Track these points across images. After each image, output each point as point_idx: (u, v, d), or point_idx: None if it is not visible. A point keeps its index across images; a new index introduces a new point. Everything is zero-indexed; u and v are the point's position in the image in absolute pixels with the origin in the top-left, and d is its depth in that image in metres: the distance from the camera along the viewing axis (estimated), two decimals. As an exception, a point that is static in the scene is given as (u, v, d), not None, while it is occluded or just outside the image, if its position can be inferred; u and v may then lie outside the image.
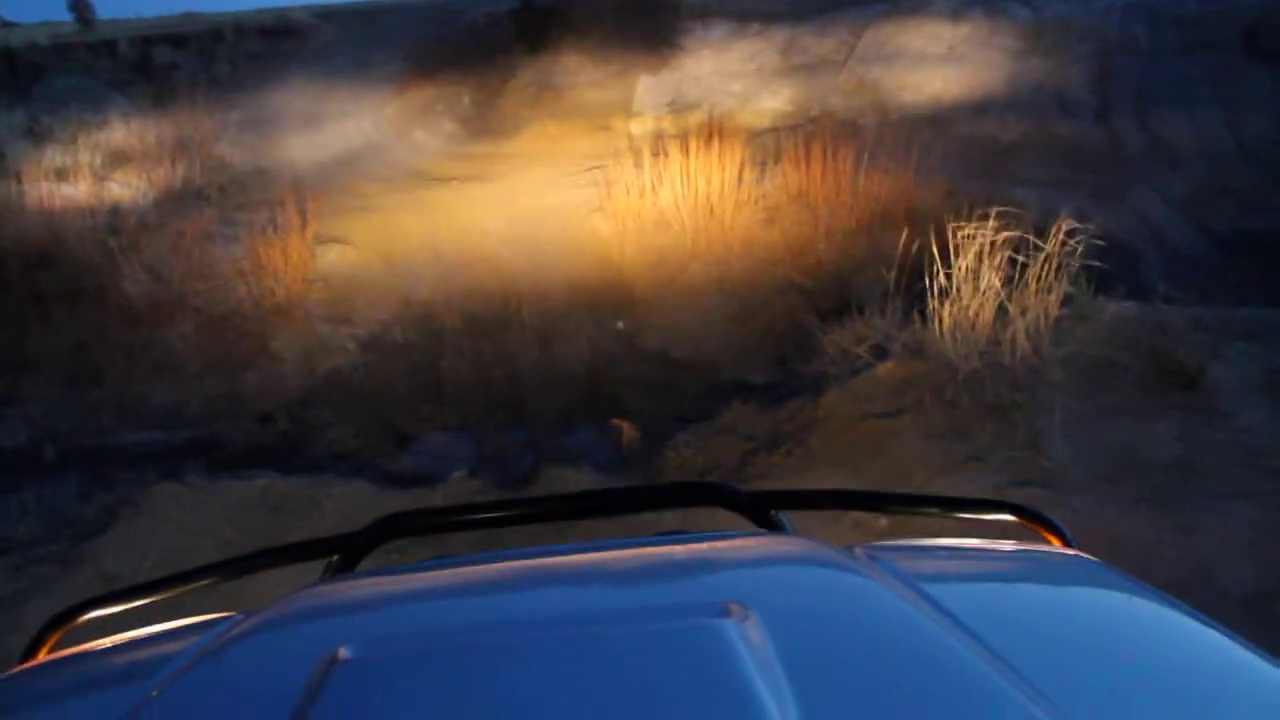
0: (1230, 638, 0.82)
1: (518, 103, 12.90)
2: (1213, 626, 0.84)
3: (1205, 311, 4.79)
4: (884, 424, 3.99)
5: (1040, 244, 4.52)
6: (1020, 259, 4.52)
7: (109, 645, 0.98)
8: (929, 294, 4.60)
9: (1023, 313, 4.29)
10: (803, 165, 8.41)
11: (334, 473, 5.76)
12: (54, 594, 3.45)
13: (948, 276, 4.55)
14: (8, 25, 19.84)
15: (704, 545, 1.06)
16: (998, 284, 4.42)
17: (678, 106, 12.35)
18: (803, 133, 9.68)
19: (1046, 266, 4.51)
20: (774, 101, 12.09)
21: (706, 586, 0.93)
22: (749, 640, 0.72)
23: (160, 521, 4.04)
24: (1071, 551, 1.09)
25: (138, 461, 6.30)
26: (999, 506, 1.24)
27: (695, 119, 11.48)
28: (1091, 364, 4.19)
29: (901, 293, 5.70)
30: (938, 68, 11.99)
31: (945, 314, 4.36)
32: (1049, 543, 1.14)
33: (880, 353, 4.68)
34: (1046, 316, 4.31)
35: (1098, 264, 4.61)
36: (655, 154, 8.63)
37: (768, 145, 9.71)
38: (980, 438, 3.72)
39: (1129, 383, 4.01)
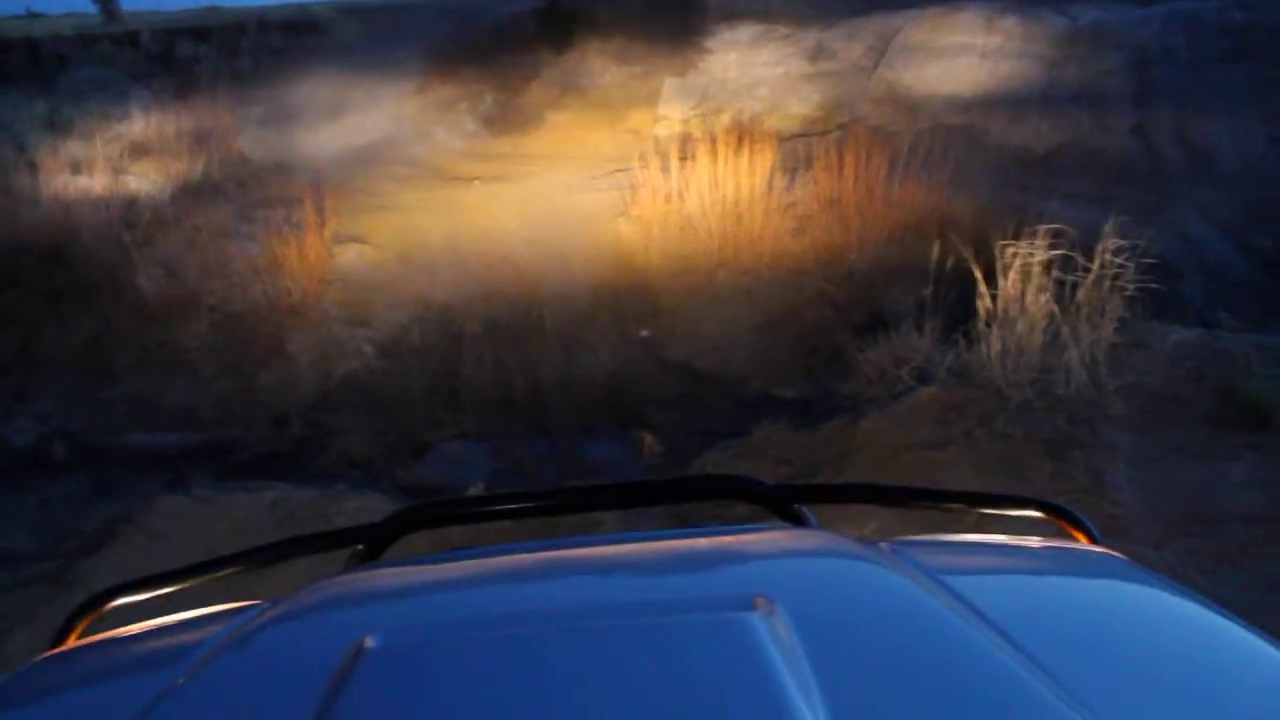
0: (1258, 635, 0.81)
1: (541, 102, 12.70)
2: (1240, 624, 0.83)
3: (1269, 340, 4.52)
4: (930, 456, 3.75)
5: (1087, 263, 4.28)
6: (1066, 279, 4.29)
7: (137, 631, 1.00)
8: (974, 314, 4.35)
9: (1075, 339, 4.04)
10: (834, 172, 8.17)
11: (347, 483, 5.59)
12: (39, 620, 3.25)
13: (992, 296, 4.31)
14: (34, 16, 19.83)
15: (728, 539, 1.06)
16: (1049, 306, 4.17)
17: (704, 109, 12.12)
18: (833, 139, 9.44)
19: (1096, 288, 4.27)
20: (802, 106, 11.84)
21: (732, 580, 0.93)
22: (775, 633, 0.72)
23: (160, 540, 3.85)
24: (1099, 548, 1.08)
25: (147, 465, 6.15)
26: (1025, 502, 1.23)
27: (722, 122, 11.25)
28: (1153, 397, 3.93)
29: (941, 309, 5.47)
30: (970, 75, 11.71)
31: (993, 337, 4.11)
32: (1075, 539, 1.12)
33: (922, 375, 4.44)
34: (1101, 343, 4.06)
35: (1149, 285, 4.35)
36: (682, 158, 8.41)
37: (797, 151, 9.47)
38: (1037, 477, 3.47)
39: (1196, 419, 3.75)
